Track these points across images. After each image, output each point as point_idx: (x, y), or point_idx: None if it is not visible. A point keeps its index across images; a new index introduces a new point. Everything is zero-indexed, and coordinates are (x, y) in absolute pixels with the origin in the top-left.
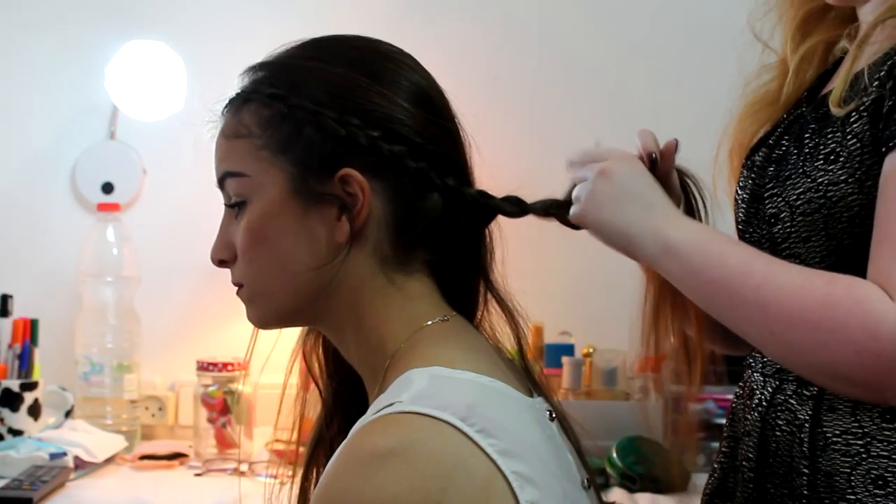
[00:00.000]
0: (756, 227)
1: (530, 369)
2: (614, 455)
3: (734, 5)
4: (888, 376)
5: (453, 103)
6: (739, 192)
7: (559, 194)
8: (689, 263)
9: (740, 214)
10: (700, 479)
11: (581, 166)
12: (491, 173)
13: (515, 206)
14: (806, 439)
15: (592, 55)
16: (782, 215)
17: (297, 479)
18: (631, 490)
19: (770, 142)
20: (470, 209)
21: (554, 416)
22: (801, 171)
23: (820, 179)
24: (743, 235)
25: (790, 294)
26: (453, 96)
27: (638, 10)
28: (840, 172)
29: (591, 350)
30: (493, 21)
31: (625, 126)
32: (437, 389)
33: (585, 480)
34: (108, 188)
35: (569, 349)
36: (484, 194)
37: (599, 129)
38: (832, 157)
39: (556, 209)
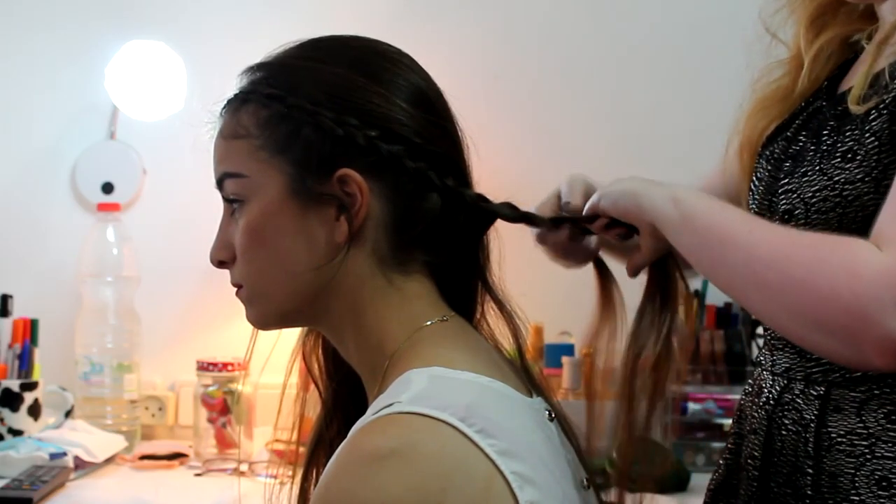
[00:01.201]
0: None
1: (529, 370)
2: (614, 455)
3: (735, 4)
4: (865, 322)
5: (453, 103)
6: (756, 183)
7: None
8: (691, 211)
9: (753, 206)
10: (700, 479)
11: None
12: (490, 173)
13: (511, 211)
14: (811, 439)
15: (592, 55)
16: (796, 212)
17: (297, 480)
18: (631, 490)
19: (788, 134)
20: (469, 211)
21: (553, 416)
22: (817, 168)
23: (836, 177)
24: None
25: (780, 235)
26: (453, 96)
27: (638, 9)
28: (857, 171)
29: (591, 350)
30: (493, 21)
31: (625, 126)
32: (437, 390)
33: (585, 480)
34: (108, 188)
35: (569, 349)
36: (481, 198)
37: (599, 129)
38: (849, 156)
39: (544, 223)
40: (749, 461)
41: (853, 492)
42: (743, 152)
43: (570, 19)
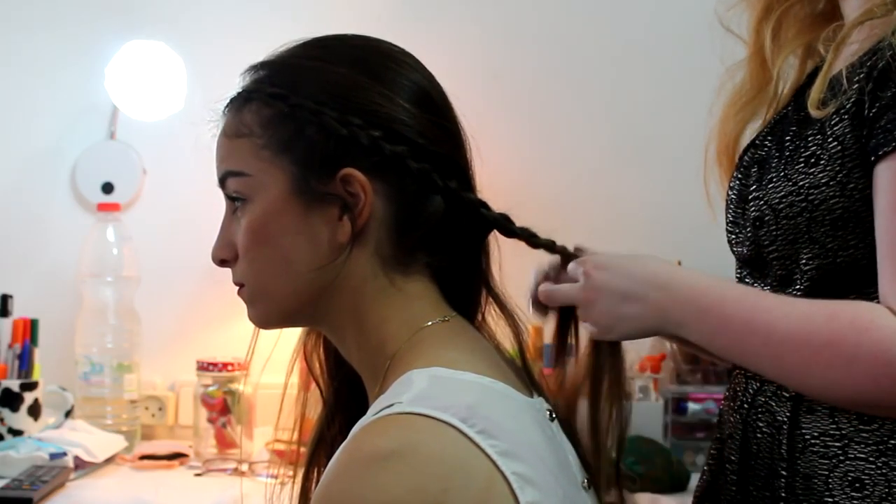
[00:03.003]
0: (742, 229)
1: (530, 370)
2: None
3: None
4: None
5: (453, 103)
6: (730, 192)
7: (556, 194)
8: (699, 334)
9: (729, 215)
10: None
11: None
12: (490, 173)
13: (505, 224)
14: (784, 441)
15: (592, 55)
16: (766, 218)
17: (298, 479)
18: (631, 490)
19: (756, 141)
20: (471, 215)
21: (554, 416)
22: (782, 174)
23: (801, 182)
24: (731, 235)
25: (797, 342)
26: (453, 96)
27: (637, 9)
28: (821, 175)
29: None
30: (493, 21)
31: (625, 126)
32: (438, 390)
33: (586, 481)
34: (108, 188)
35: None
36: (482, 204)
37: (599, 129)
38: (812, 161)
39: (540, 245)
40: (727, 466)
41: (827, 493)
42: (721, 158)
43: (569, 19)
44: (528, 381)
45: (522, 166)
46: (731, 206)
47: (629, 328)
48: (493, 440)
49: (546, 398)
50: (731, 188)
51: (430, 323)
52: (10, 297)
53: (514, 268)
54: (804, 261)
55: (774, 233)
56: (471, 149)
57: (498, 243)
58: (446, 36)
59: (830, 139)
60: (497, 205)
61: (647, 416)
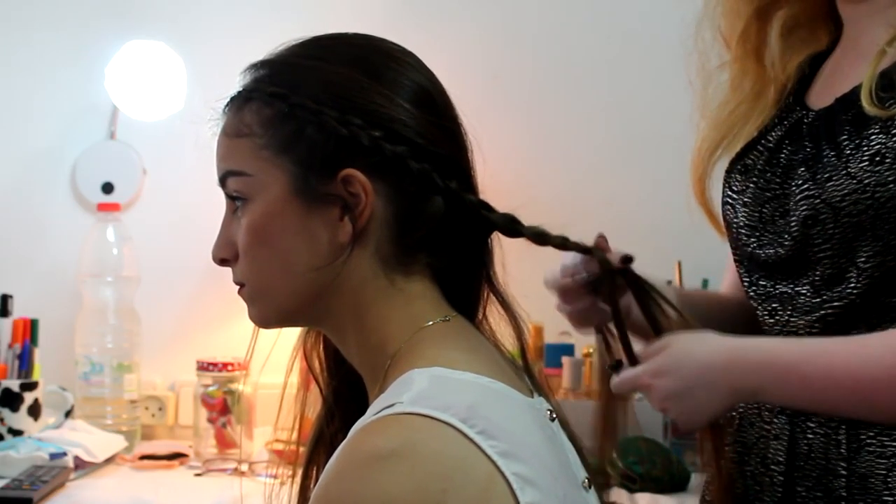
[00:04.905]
0: (765, 231)
1: (531, 370)
2: (614, 455)
3: None
4: None
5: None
6: (736, 196)
7: (556, 194)
8: (781, 396)
9: (741, 219)
10: (700, 479)
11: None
12: (490, 173)
13: (510, 226)
14: (843, 440)
15: (592, 55)
16: (822, 217)
17: (297, 478)
18: (631, 490)
19: (770, 145)
20: (471, 216)
21: (554, 416)
22: (843, 172)
23: (867, 181)
24: (748, 239)
25: (887, 380)
26: (453, 96)
27: (637, 9)
28: (888, 173)
29: (591, 350)
30: (493, 21)
31: (625, 126)
32: (438, 390)
33: (586, 481)
34: (108, 188)
35: (569, 349)
36: (483, 205)
37: (599, 129)
38: (878, 158)
39: (551, 243)
40: (773, 467)
41: (886, 492)
42: (703, 153)
43: (569, 19)
44: (528, 380)
45: (522, 166)
46: (744, 210)
47: (707, 416)
48: (493, 440)
49: (546, 398)
50: (738, 192)
51: (430, 323)
52: (10, 297)
53: (517, 267)
54: (863, 258)
55: (831, 231)
56: (472, 149)
57: (501, 243)
58: (446, 36)
59: (895, 138)
60: (496, 205)
61: (647, 416)
